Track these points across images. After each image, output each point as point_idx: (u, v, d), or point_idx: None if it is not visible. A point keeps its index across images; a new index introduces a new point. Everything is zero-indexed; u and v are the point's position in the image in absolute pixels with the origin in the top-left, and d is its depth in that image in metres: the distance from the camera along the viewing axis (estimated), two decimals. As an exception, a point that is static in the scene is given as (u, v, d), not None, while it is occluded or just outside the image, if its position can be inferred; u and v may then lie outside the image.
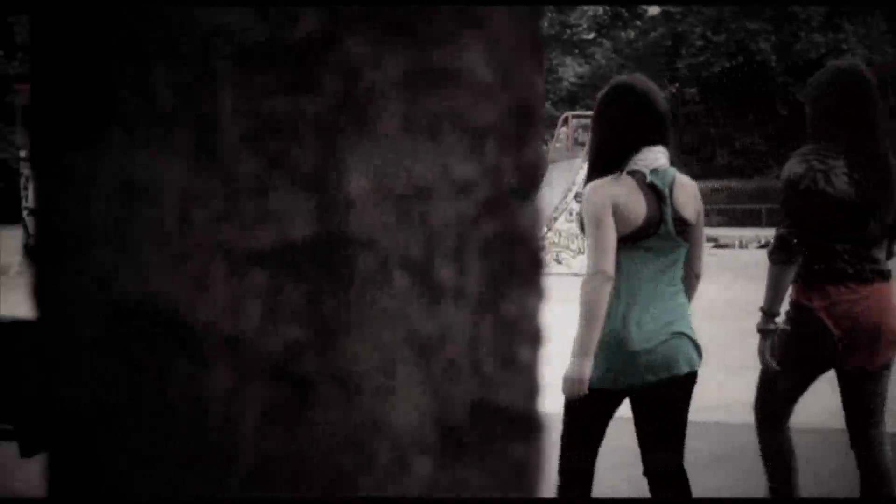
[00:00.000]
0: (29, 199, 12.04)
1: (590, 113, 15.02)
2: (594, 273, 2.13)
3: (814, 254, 2.38)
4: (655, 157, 2.17)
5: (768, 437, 2.67)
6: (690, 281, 2.31)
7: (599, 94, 2.34)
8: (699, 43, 35.93)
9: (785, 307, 2.57)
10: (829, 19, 34.94)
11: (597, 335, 2.15)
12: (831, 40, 34.33)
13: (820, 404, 4.57)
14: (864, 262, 2.37)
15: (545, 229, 13.10)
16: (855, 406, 2.53)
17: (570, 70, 39.99)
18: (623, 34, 42.01)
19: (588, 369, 2.14)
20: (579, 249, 13.00)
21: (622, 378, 2.18)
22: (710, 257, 17.42)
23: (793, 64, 35.36)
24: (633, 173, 2.16)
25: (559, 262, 12.99)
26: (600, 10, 39.85)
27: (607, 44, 41.09)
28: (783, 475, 2.63)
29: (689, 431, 3.91)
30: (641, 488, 3.23)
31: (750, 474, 3.37)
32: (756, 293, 11.82)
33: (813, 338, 2.41)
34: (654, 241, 2.16)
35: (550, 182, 15.26)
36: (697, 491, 2.78)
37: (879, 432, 2.51)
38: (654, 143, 2.19)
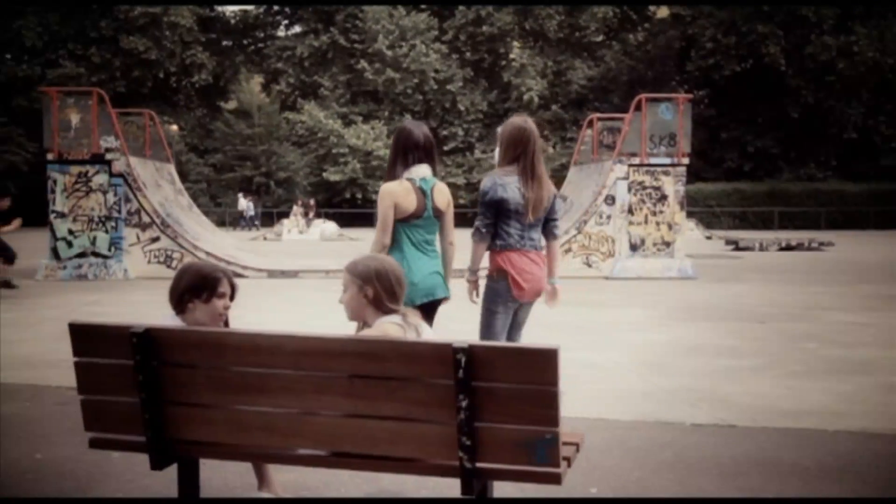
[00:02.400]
0: (56, 202, 11.95)
1: (618, 115, 14.85)
2: (377, 241, 3.60)
3: (498, 234, 3.78)
4: (423, 171, 3.64)
5: None
6: (445, 246, 3.78)
7: (394, 132, 3.79)
8: (709, 45, 35.79)
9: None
10: (841, 21, 34.79)
11: None
12: (842, 43, 34.20)
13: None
14: (526, 239, 3.79)
15: (576, 232, 12.95)
16: (515, 324, 3.91)
17: (580, 72, 39.86)
18: (632, 37, 41.91)
19: None
20: (609, 252, 12.77)
21: (410, 299, 3.37)
22: (733, 260, 17.25)
23: (803, 67, 35.28)
24: (409, 180, 3.62)
25: (589, 266, 12.68)
26: (610, 11, 39.73)
27: (616, 46, 40.98)
28: None
29: (785, 441, 3.84)
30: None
31: (867, 484, 3.22)
32: (791, 296, 11.68)
33: (509, 286, 3.76)
34: (421, 221, 3.62)
35: (578, 184, 15.06)
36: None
37: (521, 334, 3.98)
38: (421, 162, 3.65)
